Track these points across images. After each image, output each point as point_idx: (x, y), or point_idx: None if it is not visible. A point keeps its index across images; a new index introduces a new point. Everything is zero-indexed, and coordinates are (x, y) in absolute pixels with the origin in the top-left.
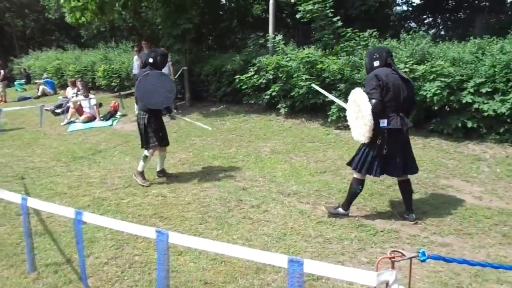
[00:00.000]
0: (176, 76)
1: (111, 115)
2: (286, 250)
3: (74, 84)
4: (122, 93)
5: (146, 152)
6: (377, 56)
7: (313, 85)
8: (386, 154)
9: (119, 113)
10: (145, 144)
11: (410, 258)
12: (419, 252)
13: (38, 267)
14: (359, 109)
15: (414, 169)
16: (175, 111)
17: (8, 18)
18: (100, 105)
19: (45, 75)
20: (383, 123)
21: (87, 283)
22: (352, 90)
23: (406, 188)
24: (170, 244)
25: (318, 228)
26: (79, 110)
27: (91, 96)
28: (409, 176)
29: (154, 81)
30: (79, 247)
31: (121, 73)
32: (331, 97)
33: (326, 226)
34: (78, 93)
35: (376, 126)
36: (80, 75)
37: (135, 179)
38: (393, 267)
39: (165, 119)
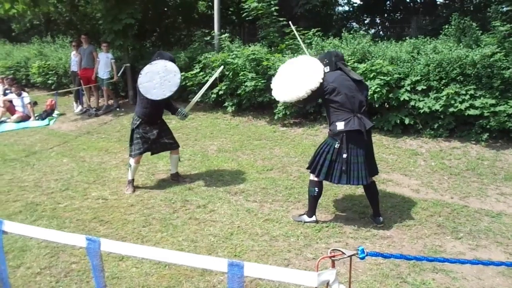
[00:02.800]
0: (119, 73)
1: (47, 114)
2: (233, 249)
3: (3, 82)
4: (59, 91)
5: (129, 161)
6: (327, 61)
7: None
8: (348, 160)
9: (56, 112)
10: (129, 152)
11: (350, 256)
12: (358, 249)
13: None
14: (309, 68)
15: (375, 171)
16: (181, 109)
17: None
18: (35, 103)
19: None
20: (340, 126)
21: None
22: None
23: (372, 191)
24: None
25: (265, 226)
26: (11, 109)
27: (24, 94)
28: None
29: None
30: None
31: (59, 70)
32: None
33: (273, 224)
34: (7, 91)
35: (333, 129)
36: (12, 71)
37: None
38: (333, 266)
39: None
